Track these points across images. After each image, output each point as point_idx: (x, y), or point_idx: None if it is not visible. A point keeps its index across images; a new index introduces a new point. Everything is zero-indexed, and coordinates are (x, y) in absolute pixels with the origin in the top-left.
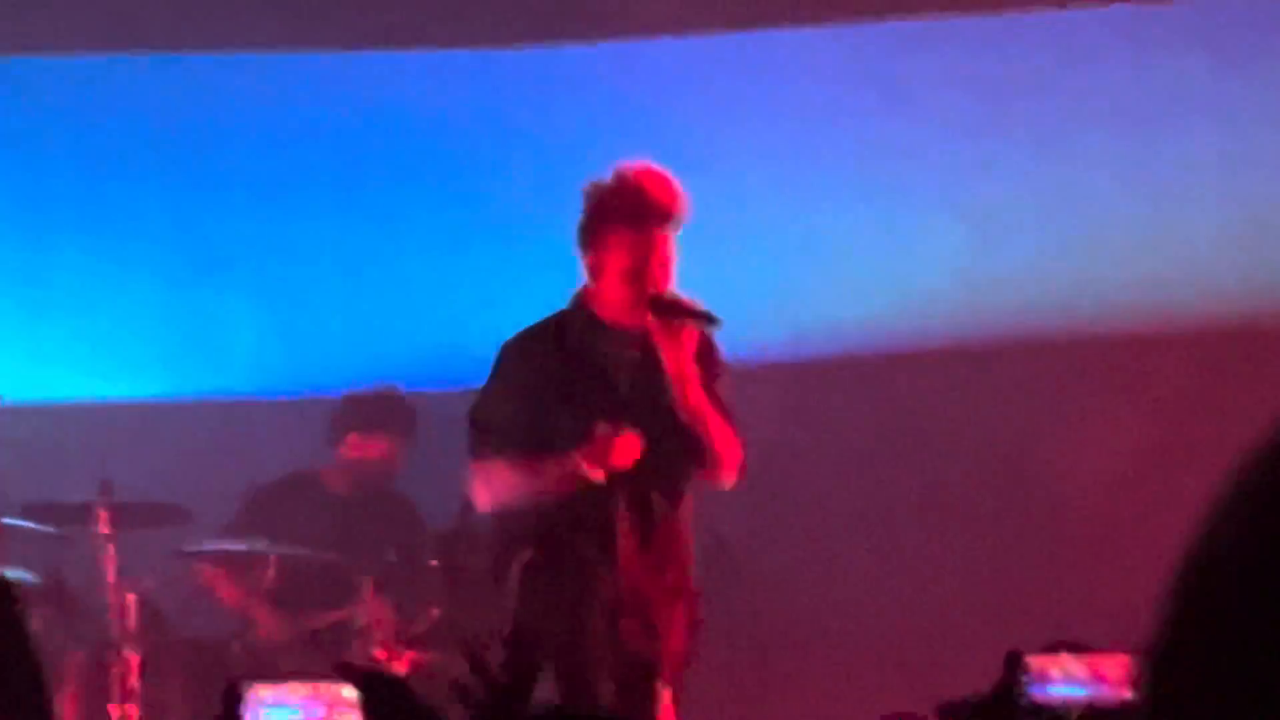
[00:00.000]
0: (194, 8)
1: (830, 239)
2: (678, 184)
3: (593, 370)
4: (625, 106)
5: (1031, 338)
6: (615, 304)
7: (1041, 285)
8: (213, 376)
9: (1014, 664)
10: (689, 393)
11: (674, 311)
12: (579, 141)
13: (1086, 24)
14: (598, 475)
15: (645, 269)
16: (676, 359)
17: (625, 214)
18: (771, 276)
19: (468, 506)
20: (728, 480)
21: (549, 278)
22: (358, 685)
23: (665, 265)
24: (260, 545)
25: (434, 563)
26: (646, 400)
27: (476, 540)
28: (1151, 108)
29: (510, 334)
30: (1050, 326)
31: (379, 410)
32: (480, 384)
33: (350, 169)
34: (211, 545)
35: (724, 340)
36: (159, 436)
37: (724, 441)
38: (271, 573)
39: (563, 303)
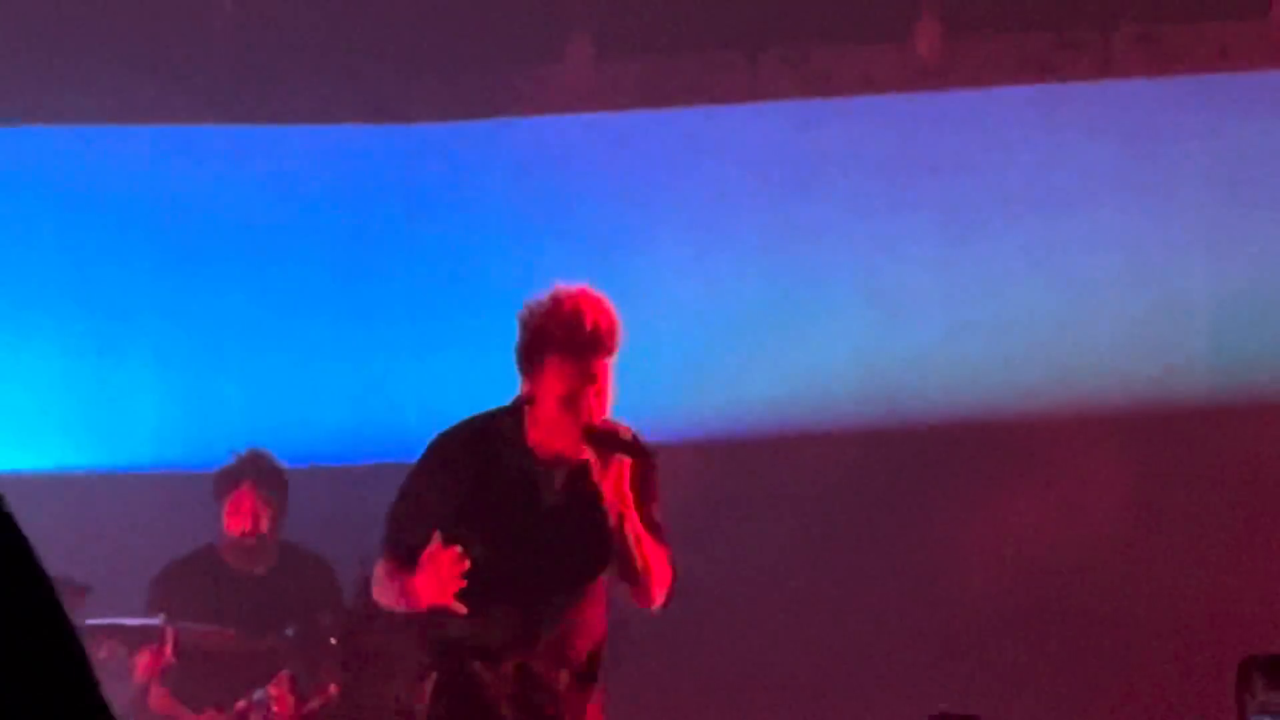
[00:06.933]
0: (104, 81)
1: (737, 318)
2: (615, 311)
3: (515, 491)
4: (534, 183)
5: (936, 420)
6: (549, 429)
7: (947, 367)
8: (113, 448)
9: None
10: (626, 522)
11: (608, 443)
12: (486, 216)
13: (996, 104)
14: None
15: (581, 398)
16: (613, 488)
17: (564, 343)
18: (677, 355)
19: (366, 584)
20: (657, 602)
21: (458, 350)
22: None
23: (602, 394)
24: (157, 621)
25: (333, 640)
26: (568, 525)
27: (377, 618)
28: (1061, 190)
29: (414, 410)
30: (954, 408)
31: (239, 467)
32: (371, 461)
33: (255, 239)
34: (108, 620)
35: (630, 418)
36: (57, 509)
37: (657, 567)
38: (169, 649)
39: (464, 375)
